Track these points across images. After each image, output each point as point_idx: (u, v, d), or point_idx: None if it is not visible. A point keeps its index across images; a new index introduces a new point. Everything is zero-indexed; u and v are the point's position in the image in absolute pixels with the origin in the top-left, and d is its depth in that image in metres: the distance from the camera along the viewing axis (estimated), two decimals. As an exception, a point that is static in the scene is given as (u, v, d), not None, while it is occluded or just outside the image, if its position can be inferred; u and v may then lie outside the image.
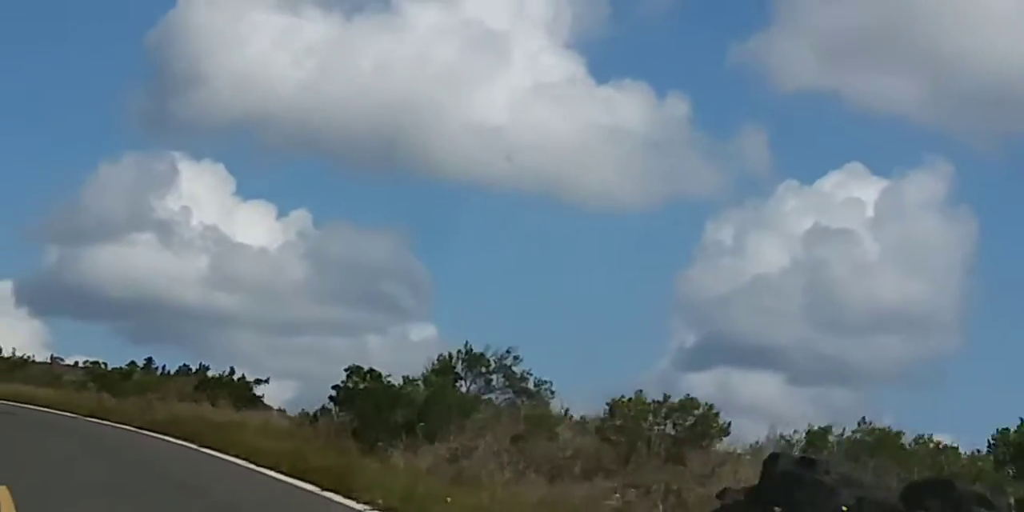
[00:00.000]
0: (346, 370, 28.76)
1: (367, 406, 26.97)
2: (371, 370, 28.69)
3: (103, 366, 60.47)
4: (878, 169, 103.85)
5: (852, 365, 66.57)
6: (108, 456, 25.04)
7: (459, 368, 30.34)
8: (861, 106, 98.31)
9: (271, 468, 22.14)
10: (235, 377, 48.13)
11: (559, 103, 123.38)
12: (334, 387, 28.78)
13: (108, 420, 38.26)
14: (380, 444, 23.84)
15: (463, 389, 29.95)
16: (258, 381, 47.36)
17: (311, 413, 30.07)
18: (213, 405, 37.98)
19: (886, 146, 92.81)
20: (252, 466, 23.07)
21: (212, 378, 48.55)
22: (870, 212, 72.26)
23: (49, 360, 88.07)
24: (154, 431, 32.97)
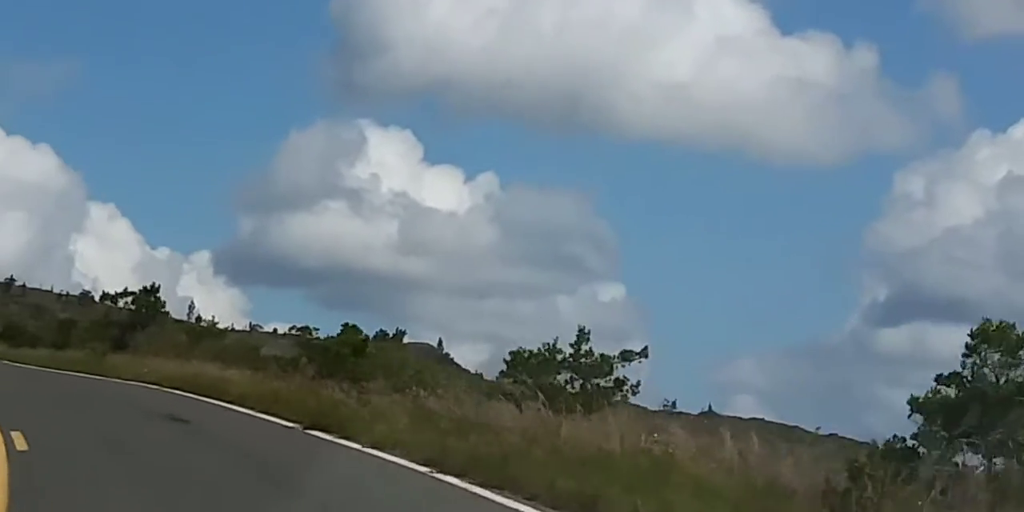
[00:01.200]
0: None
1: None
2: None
3: (312, 333, 49.22)
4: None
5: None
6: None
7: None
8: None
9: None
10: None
11: (744, 57, 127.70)
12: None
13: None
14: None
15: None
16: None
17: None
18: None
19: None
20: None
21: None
22: (1065, 158, 63.17)
23: (248, 328, 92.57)
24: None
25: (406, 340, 48.83)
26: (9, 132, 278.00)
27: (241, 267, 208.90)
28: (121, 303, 66.45)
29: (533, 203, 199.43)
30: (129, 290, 65.21)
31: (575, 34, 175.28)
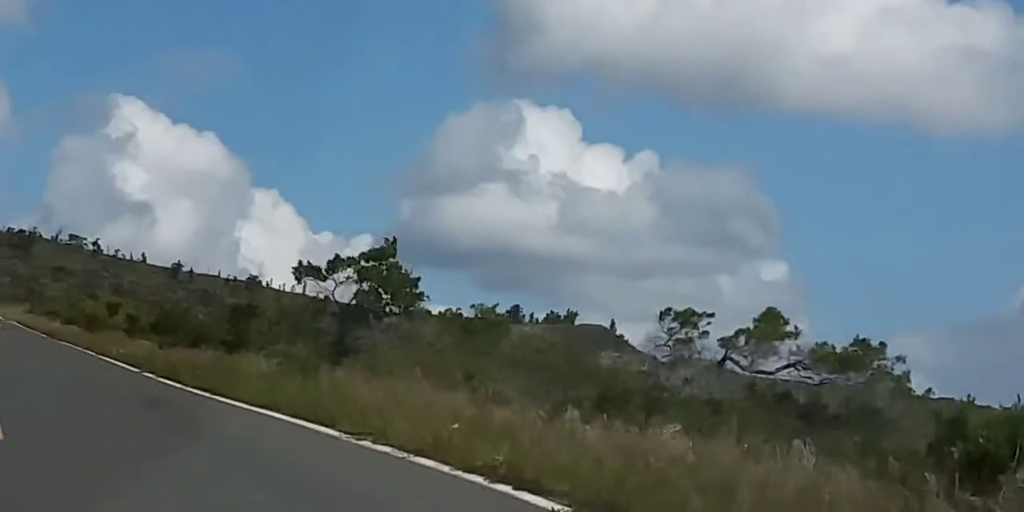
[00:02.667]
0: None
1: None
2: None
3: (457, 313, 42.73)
4: None
5: None
6: None
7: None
8: None
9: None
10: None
11: (908, 27, 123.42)
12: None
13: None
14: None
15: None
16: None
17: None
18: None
19: None
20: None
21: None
22: None
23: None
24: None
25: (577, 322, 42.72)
26: (175, 121, 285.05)
27: (402, 250, 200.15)
28: (330, 283, 41.10)
29: (693, 180, 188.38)
30: (350, 257, 39.36)
31: (732, 8, 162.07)
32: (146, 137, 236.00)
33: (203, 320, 49.75)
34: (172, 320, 51.17)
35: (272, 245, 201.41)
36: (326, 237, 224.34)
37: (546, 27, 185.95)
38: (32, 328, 75.79)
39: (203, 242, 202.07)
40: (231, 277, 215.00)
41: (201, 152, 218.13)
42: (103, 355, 42.40)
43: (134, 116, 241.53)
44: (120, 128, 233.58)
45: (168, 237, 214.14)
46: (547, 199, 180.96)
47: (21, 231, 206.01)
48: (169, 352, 38.22)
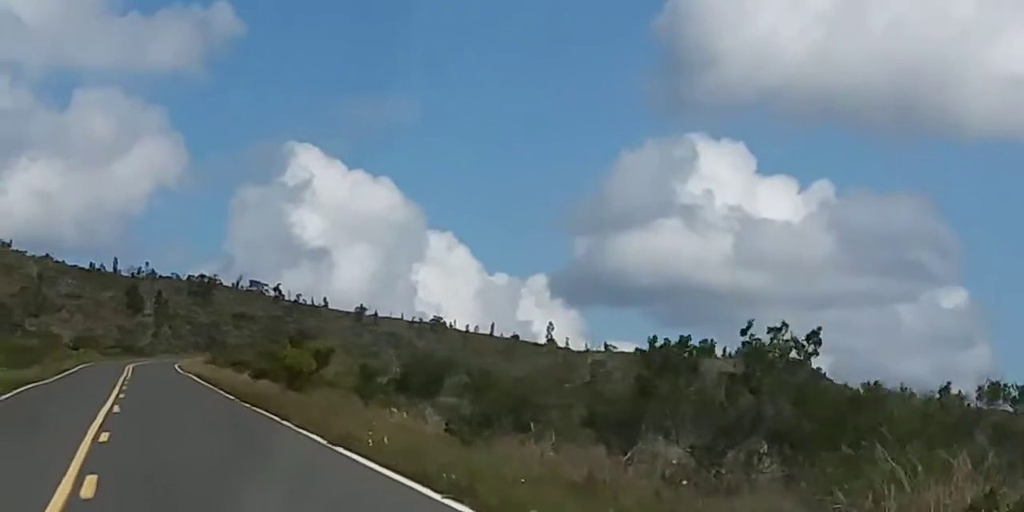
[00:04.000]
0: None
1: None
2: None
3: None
4: None
5: None
6: None
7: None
8: None
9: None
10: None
11: None
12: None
13: None
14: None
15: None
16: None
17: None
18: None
19: None
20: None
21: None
22: None
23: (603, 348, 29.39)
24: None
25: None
26: (350, 166, 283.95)
27: (577, 288, 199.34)
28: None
29: (870, 209, 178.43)
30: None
31: (907, 33, 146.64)
32: (322, 183, 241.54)
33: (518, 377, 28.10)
34: (432, 373, 29.54)
35: (449, 287, 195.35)
36: (501, 278, 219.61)
37: (718, 60, 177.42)
38: (214, 384, 55.74)
39: (381, 285, 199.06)
40: (416, 319, 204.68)
41: (377, 197, 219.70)
42: (348, 448, 20.81)
43: (310, 163, 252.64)
44: (297, 176, 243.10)
45: (347, 282, 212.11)
46: (722, 233, 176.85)
47: (202, 277, 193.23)
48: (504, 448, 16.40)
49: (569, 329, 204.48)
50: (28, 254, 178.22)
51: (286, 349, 43.45)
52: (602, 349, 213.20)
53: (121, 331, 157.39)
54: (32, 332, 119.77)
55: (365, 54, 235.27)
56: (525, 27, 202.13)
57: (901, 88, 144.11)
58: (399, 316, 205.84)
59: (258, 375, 51.24)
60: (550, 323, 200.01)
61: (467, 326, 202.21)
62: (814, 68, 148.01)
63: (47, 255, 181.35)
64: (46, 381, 57.35)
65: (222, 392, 48.11)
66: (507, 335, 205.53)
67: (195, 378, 65.90)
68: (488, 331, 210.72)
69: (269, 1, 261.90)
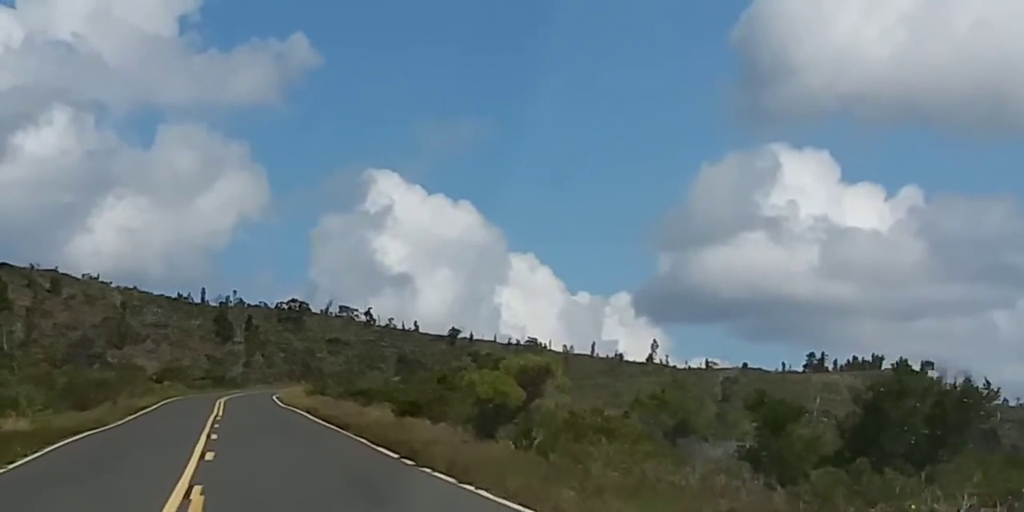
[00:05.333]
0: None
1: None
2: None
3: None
4: None
5: None
6: None
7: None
8: None
9: None
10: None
11: None
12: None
13: None
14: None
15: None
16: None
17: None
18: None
19: None
20: None
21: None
22: None
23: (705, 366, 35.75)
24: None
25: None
26: (430, 191, 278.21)
27: (662, 305, 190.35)
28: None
29: (962, 213, 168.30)
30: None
31: (993, 31, 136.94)
32: (403, 209, 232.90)
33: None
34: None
35: (532, 308, 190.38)
36: (584, 297, 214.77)
37: (798, 68, 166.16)
38: (338, 425, 38.55)
39: (464, 309, 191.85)
40: (511, 341, 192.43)
41: (457, 221, 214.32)
42: None
43: (390, 189, 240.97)
44: (378, 202, 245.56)
45: (431, 306, 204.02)
46: (808, 244, 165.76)
47: (293, 301, 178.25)
48: None
49: (655, 348, 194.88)
50: (112, 285, 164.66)
51: (467, 370, 26.31)
52: (704, 367, 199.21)
53: (210, 361, 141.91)
54: (112, 364, 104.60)
55: (441, 78, 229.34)
56: (602, 45, 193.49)
57: (989, 87, 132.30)
58: (491, 338, 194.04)
59: (406, 411, 34.21)
60: (654, 341, 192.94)
61: (564, 346, 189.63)
62: (897, 71, 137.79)
63: (134, 287, 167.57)
64: (107, 427, 40.80)
65: (364, 441, 30.93)
66: (602, 354, 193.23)
67: (307, 415, 49.12)
68: (584, 351, 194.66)
69: (345, 31, 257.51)
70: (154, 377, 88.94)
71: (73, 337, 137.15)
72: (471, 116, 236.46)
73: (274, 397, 76.17)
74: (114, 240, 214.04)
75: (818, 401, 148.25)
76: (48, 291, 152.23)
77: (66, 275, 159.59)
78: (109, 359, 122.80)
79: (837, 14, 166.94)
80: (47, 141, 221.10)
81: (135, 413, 52.66)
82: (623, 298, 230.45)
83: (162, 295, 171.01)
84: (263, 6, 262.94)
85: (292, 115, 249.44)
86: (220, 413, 50.11)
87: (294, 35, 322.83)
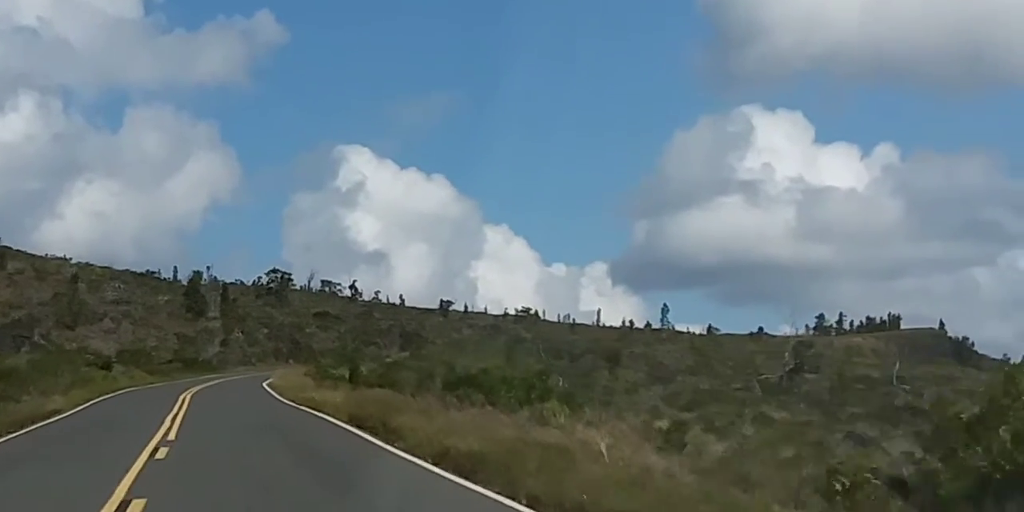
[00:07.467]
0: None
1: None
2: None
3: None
4: None
5: None
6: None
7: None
8: None
9: None
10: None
11: None
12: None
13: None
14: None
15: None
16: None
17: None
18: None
19: None
20: None
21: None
22: None
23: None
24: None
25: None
26: (403, 166, 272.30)
27: (639, 273, 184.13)
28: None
29: (938, 170, 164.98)
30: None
31: None
32: (375, 185, 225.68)
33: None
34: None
35: (508, 280, 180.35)
36: (559, 269, 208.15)
37: (768, 29, 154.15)
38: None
39: (442, 282, 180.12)
40: (506, 312, 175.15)
41: (431, 195, 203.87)
42: None
43: (362, 165, 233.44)
44: (349, 179, 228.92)
45: (407, 281, 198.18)
46: (785, 205, 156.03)
47: (274, 271, 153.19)
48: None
49: (634, 314, 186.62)
50: (72, 261, 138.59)
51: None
52: (706, 333, 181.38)
53: (181, 340, 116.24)
54: (44, 347, 79.25)
55: (410, 53, 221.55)
56: (571, 15, 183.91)
57: (964, 39, 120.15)
58: (483, 310, 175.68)
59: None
60: (664, 305, 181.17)
61: (559, 315, 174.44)
62: (868, 28, 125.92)
63: (87, 263, 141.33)
64: None
65: None
66: (603, 323, 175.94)
67: (325, 416, 24.32)
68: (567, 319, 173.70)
69: (310, 6, 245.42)
70: (98, 362, 63.85)
71: (16, 317, 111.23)
72: (441, 89, 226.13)
73: (265, 385, 51.47)
74: (85, 225, 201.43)
75: (897, 366, 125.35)
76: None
77: (8, 248, 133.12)
78: (55, 340, 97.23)
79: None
80: (14, 127, 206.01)
81: (20, 429, 27.58)
82: (599, 268, 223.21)
83: (127, 270, 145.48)
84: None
85: (260, 93, 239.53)
86: (174, 427, 25.25)
87: (260, 12, 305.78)
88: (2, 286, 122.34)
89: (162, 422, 26.63)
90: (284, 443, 21.43)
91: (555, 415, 18.69)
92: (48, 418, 32.74)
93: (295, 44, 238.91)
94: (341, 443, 21.08)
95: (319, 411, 29.72)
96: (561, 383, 30.87)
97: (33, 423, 30.12)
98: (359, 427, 23.43)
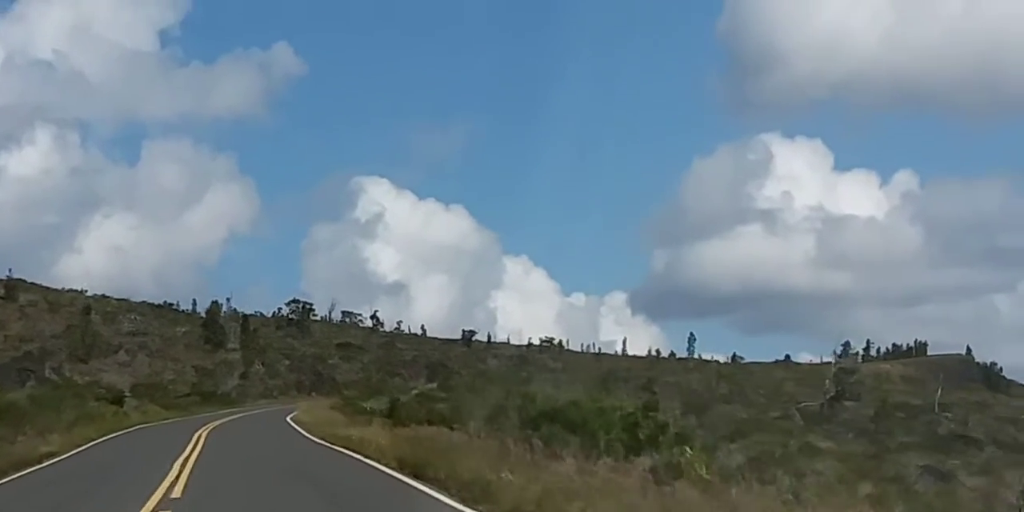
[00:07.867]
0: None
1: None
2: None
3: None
4: None
5: None
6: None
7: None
8: None
9: None
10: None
11: None
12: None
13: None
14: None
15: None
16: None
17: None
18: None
19: None
20: None
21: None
22: None
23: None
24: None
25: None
26: (421, 196, 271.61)
27: (658, 303, 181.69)
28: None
29: (958, 196, 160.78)
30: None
31: (986, 11, 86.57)
32: (394, 216, 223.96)
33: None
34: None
35: (528, 311, 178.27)
36: (579, 298, 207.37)
37: (786, 57, 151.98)
38: None
39: (462, 313, 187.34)
40: (530, 342, 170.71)
41: (450, 226, 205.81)
42: None
43: (380, 196, 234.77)
44: (368, 210, 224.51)
45: (426, 311, 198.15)
46: (804, 234, 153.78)
47: (294, 301, 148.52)
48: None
49: (655, 343, 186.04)
50: (88, 293, 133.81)
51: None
52: (730, 361, 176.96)
53: (199, 373, 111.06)
54: (53, 381, 74.29)
55: (427, 83, 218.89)
56: (591, 45, 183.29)
57: (982, 66, 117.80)
58: (506, 340, 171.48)
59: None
60: (691, 334, 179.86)
61: (582, 345, 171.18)
62: (887, 56, 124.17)
63: (103, 294, 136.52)
64: None
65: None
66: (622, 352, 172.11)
67: (400, 478, 19.20)
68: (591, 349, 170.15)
69: (329, 37, 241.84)
70: (108, 397, 58.77)
71: (27, 350, 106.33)
72: (460, 122, 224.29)
73: (290, 420, 46.31)
74: (103, 259, 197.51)
75: (939, 393, 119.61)
76: (1, 298, 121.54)
77: (22, 281, 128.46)
78: (66, 374, 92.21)
79: (822, 0, 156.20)
80: (31, 161, 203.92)
81: (2, 477, 22.42)
82: (618, 297, 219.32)
83: (144, 302, 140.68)
84: (245, 16, 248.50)
85: (278, 125, 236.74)
86: (182, 476, 20.06)
87: (277, 44, 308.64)
88: (13, 319, 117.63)
89: (168, 470, 21.39)
90: (321, 499, 16.20)
91: (695, 467, 13.61)
92: (39, 463, 27.59)
93: (313, 75, 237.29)
94: (402, 503, 15.75)
95: (360, 453, 24.44)
96: (676, 421, 25.43)
97: (17, 471, 24.98)
98: (416, 477, 18.19)
